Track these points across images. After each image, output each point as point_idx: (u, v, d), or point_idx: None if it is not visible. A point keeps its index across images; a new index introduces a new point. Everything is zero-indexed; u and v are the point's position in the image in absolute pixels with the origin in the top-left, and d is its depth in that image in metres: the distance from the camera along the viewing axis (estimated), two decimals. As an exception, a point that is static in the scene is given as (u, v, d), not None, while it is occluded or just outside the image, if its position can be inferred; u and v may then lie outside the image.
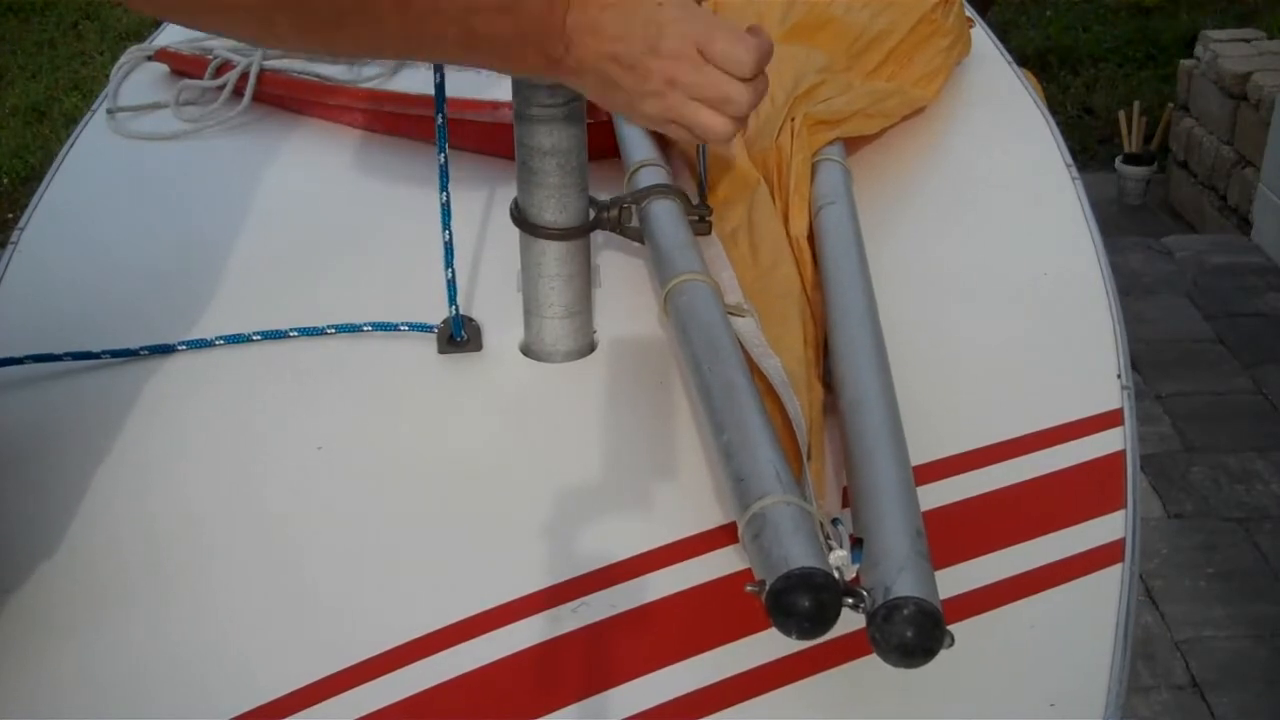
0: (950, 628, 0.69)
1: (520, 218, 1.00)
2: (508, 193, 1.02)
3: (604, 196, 1.06)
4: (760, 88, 0.80)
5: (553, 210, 0.99)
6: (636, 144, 1.19)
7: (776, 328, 0.95)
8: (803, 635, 0.70)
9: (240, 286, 1.14)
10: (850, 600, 0.71)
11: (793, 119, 1.18)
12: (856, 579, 0.74)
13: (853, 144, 1.28)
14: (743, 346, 0.92)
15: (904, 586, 0.71)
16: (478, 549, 0.87)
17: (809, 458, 0.82)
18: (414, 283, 1.06)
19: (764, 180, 1.13)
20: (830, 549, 0.74)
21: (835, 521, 0.77)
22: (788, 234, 1.08)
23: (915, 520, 0.77)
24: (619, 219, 1.07)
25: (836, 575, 0.72)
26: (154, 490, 0.93)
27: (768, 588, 0.71)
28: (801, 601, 0.69)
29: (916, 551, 0.74)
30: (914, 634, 0.69)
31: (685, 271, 0.98)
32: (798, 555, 0.72)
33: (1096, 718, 0.73)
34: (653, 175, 1.12)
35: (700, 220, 1.08)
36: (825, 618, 0.70)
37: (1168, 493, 2.54)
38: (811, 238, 1.09)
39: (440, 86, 0.99)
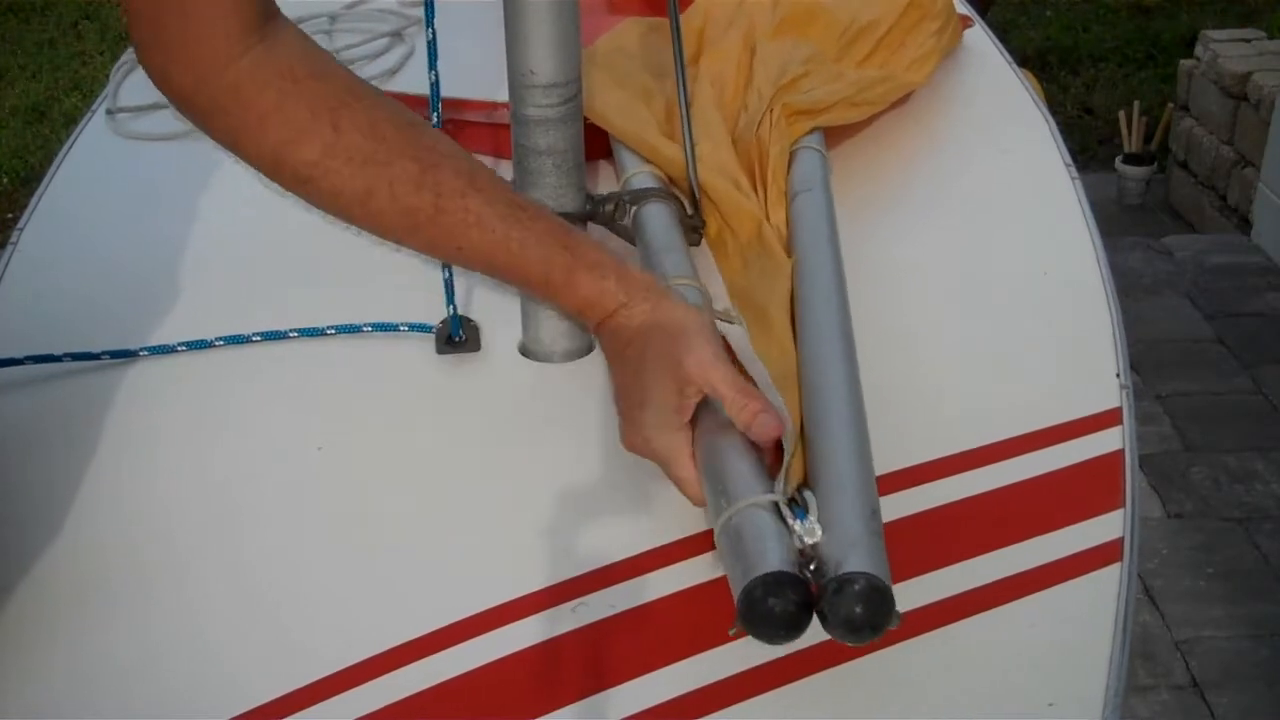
0: (949, 627, 0.69)
1: None
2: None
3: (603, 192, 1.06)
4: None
5: None
6: (631, 153, 1.19)
7: (763, 336, 0.95)
8: (788, 635, 0.71)
9: (240, 287, 1.14)
10: (811, 569, 0.72)
11: (771, 110, 1.18)
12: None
13: (844, 137, 1.28)
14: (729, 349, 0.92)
15: (855, 562, 0.71)
16: (477, 549, 0.87)
17: (791, 454, 0.82)
18: (413, 283, 1.06)
19: (746, 175, 1.13)
20: (792, 528, 0.75)
21: (800, 489, 0.78)
22: (771, 227, 1.08)
23: (871, 499, 0.77)
24: (613, 214, 1.06)
25: (800, 544, 0.73)
26: (155, 490, 0.93)
27: (736, 615, 0.71)
28: (767, 609, 0.70)
29: (870, 530, 0.74)
30: (863, 610, 0.69)
31: (675, 276, 0.98)
32: (755, 563, 0.72)
33: (1096, 717, 0.73)
34: (647, 179, 1.12)
35: (693, 231, 1.08)
36: (792, 613, 0.70)
37: (1168, 493, 2.54)
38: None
39: (435, 86, 0.99)
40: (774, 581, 0.70)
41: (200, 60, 0.78)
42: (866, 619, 0.70)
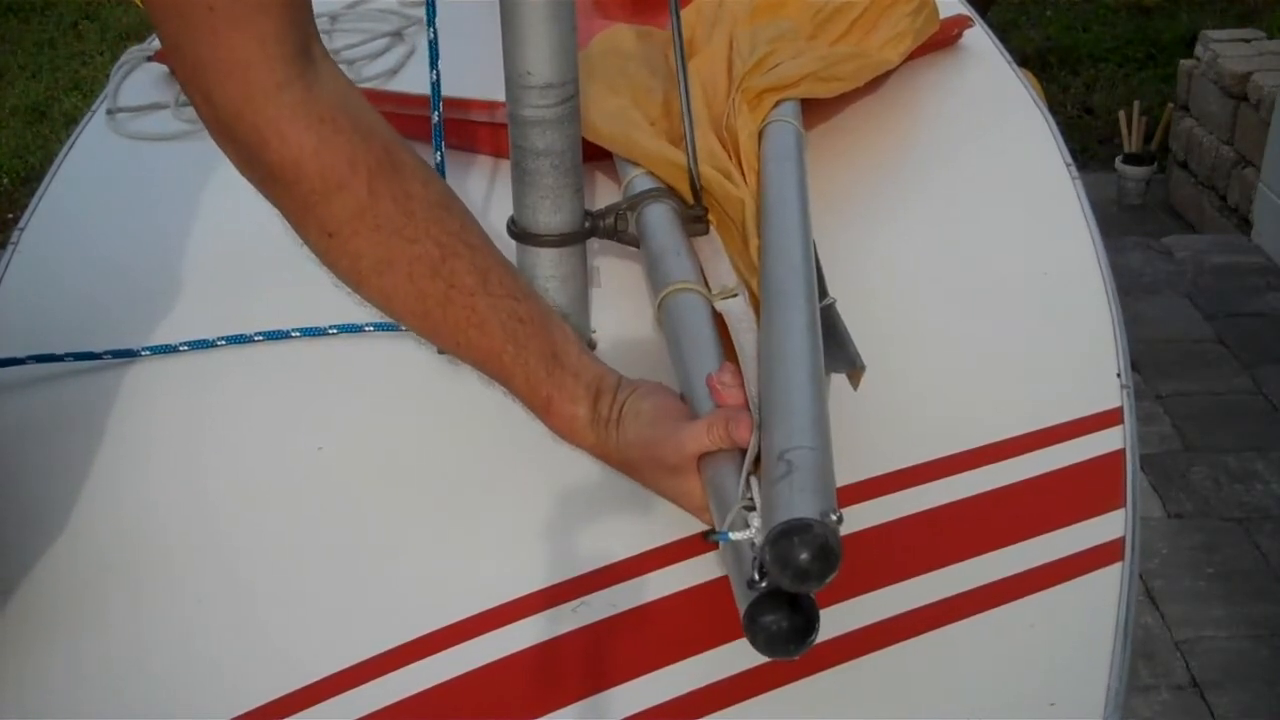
0: (949, 627, 0.69)
1: (515, 228, 1.00)
2: (507, 191, 1.02)
3: (603, 200, 1.06)
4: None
5: (547, 211, 0.98)
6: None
7: (757, 309, 0.95)
8: (798, 644, 0.70)
9: (242, 287, 1.14)
10: (757, 577, 0.69)
11: (734, 99, 1.18)
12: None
13: (827, 118, 1.29)
14: (729, 340, 0.93)
15: (765, 527, 0.69)
16: (478, 549, 0.87)
17: (753, 453, 0.79)
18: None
19: (731, 161, 1.13)
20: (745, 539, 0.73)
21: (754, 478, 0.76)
22: (752, 205, 1.08)
23: (785, 439, 0.74)
24: (615, 226, 1.07)
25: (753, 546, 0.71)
26: (156, 489, 0.93)
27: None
28: (762, 644, 0.70)
29: (777, 478, 0.71)
30: (808, 560, 0.66)
31: (677, 281, 0.98)
32: (737, 597, 0.72)
33: (1096, 718, 0.73)
34: (648, 180, 1.12)
35: (697, 220, 1.08)
36: (780, 632, 0.69)
37: (1168, 493, 2.54)
38: None
39: (436, 85, 0.99)
40: (749, 618, 0.70)
41: (242, 90, 0.77)
42: (802, 570, 0.66)
